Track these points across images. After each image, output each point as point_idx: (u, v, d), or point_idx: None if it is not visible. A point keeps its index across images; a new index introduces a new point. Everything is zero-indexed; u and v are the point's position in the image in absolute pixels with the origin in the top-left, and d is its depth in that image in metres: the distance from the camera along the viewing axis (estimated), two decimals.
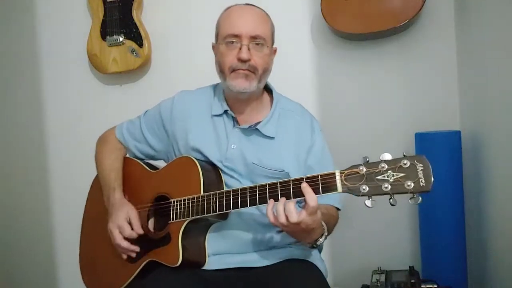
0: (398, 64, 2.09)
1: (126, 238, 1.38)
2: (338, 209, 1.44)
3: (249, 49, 1.37)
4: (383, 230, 2.11)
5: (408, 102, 2.09)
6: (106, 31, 2.27)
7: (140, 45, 2.24)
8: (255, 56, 1.38)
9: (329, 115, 2.10)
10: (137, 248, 1.39)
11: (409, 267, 1.89)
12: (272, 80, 1.50)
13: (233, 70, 1.39)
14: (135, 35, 2.25)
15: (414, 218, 2.03)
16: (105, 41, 2.27)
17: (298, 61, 2.17)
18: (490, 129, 1.69)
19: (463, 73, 1.98)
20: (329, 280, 1.42)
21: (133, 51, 2.24)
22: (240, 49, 1.37)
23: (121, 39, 2.25)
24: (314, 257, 1.44)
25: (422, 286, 1.73)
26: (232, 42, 1.38)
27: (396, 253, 2.08)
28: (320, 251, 1.53)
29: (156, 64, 2.33)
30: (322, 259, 1.50)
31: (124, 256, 1.41)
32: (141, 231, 1.38)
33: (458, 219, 1.82)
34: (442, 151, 1.80)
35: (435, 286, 1.72)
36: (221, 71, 1.43)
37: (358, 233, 2.12)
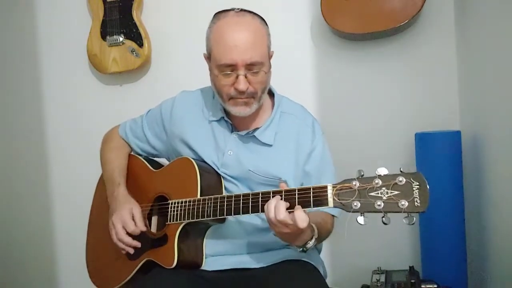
0: (398, 64, 2.08)
1: (128, 234, 1.36)
2: (334, 216, 1.42)
3: (246, 76, 1.30)
4: (383, 230, 2.08)
5: (408, 102, 2.08)
6: (106, 31, 2.27)
7: (140, 45, 2.24)
8: (253, 82, 1.31)
9: (329, 115, 2.09)
10: (138, 245, 1.37)
11: (409, 267, 1.88)
12: (272, 80, 1.46)
13: (231, 98, 1.34)
14: (135, 35, 2.24)
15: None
16: (105, 41, 2.27)
17: (298, 61, 2.17)
18: (490, 129, 1.69)
19: (463, 73, 1.98)
20: (329, 280, 1.42)
21: (133, 51, 2.24)
22: (237, 77, 1.29)
23: (121, 39, 2.25)
24: (312, 258, 1.44)
25: (422, 286, 1.73)
26: (228, 73, 1.30)
27: (396, 253, 2.08)
28: (319, 251, 1.53)
29: (156, 64, 2.33)
30: (321, 260, 1.50)
31: (123, 252, 1.39)
32: (143, 229, 1.37)
33: (458, 219, 1.82)
34: (442, 151, 1.80)
35: (435, 286, 1.72)
36: (218, 93, 1.37)
37: (358, 233, 2.10)
